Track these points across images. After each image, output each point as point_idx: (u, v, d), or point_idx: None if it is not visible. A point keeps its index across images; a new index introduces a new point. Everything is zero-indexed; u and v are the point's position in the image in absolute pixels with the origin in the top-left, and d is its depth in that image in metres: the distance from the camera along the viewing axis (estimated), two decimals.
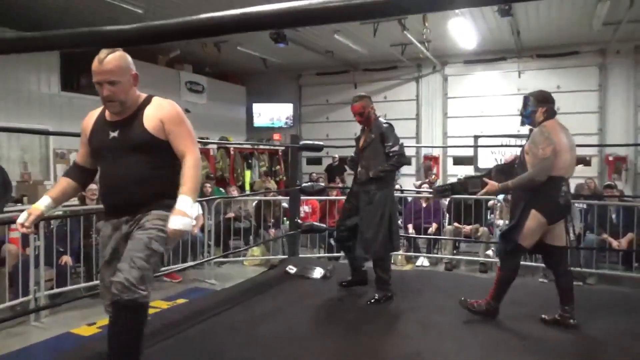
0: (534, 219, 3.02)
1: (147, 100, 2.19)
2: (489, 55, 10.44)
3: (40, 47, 1.13)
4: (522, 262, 5.90)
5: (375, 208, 3.60)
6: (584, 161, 10.08)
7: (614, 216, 5.63)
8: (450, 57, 10.82)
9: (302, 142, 4.75)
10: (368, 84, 11.86)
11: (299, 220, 4.88)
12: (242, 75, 12.75)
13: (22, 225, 2.13)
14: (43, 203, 2.21)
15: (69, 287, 4.71)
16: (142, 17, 7.88)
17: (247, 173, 11.36)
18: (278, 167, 11.97)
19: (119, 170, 2.13)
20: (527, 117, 3.18)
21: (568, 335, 3.08)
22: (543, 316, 3.23)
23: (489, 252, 6.17)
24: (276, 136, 12.68)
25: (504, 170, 3.40)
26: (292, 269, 4.39)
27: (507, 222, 6.10)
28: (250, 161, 11.43)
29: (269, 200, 6.88)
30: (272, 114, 12.96)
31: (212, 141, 9.91)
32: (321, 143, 4.71)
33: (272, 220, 6.60)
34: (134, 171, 2.12)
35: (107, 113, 2.20)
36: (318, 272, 4.33)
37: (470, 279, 5.42)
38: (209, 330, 3.14)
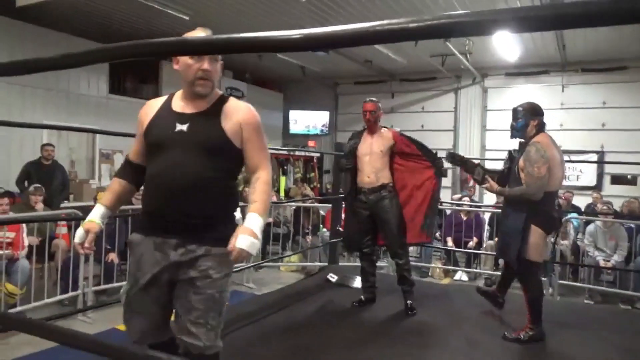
0: (536, 233, 3.05)
1: (225, 98, 1.92)
2: (532, 68, 10.25)
3: (207, 51, 1.19)
4: (566, 282, 5.81)
5: (399, 210, 3.68)
6: (627, 180, 9.76)
7: None
8: (490, 69, 10.67)
9: None
10: (405, 94, 11.84)
11: (340, 229, 4.88)
12: (280, 82, 12.91)
13: (82, 246, 1.87)
14: (98, 215, 1.90)
15: (114, 284, 4.85)
16: (187, 24, 8.10)
17: (282, 179, 11.46)
18: (312, 174, 12.03)
19: (179, 170, 1.77)
20: (518, 130, 3.18)
21: (616, 357, 3.00)
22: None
23: None
24: (311, 143, 12.77)
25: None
26: (333, 277, 4.40)
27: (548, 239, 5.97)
28: (285, 167, 11.53)
29: (307, 206, 6.92)
30: (308, 121, 13.05)
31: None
32: None
33: (310, 227, 6.63)
34: (197, 174, 1.77)
35: (174, 103, 1.89)
36: (359, 282, 4.31)
37: (511, 296, 5.31)
38: (254, 334, 3.18)
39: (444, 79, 11.11)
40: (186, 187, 1.76)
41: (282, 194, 11.02)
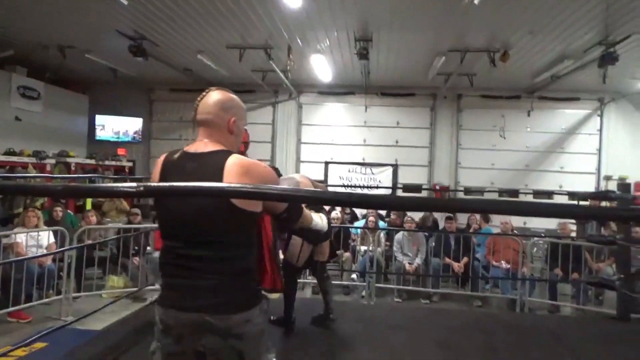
0: (294, 241, 3.82)
1: None
2: (341, 89, 11.33)
3: None
4: (380, 285, 6.58)
5: None
6: (418, 189, 11.54)
7: (452, 242, 6.61)
8: (306, 86, 11.43)
9: None
10: None
11: None
12: (85, 83, 11.61)
13: None
14: None
15: None
16: None
17: None
18: None
19: None
20: None
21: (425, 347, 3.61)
22: (313, 316, 4.09)
23: (354, 276, 6.70)
24: (121, 151, 11.84)
25: None
26: None
27: (365, 247, 6.73)
28: (93, 180, 10.43)
29: (132, 225, 6.41)
30: (117, 127, 12.07)
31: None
32: None
33: (136, 248, 6.18)
34: None
35: None
36: None
37: (339, 304, 5.83)
38: None
39: (262, 92, 11.47)
40: None
41: (88, 207, 9.95)
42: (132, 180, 11.58)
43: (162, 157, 1.80)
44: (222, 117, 1.79)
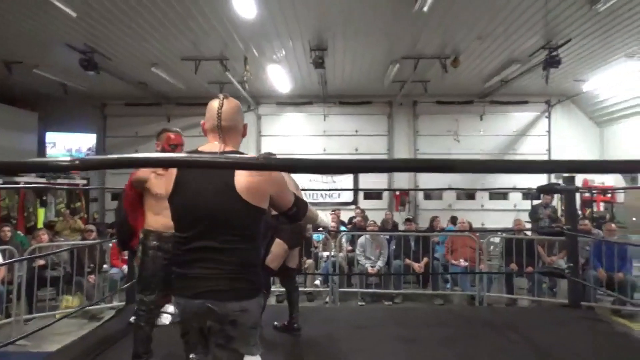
0: (278, 245, 3.66)
1: None
2: (299, 99, 11.39)
3: None
4: (343, 289, 6.62)
5: None
6: (375, 195, 11.71)
7: (412, 244, 6.73)
8: (264, 97, 11.45)
9: None
10: (182, 118, 11.63)
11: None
12: (34, 100, 11.22)
13: None
14: None
15: None
16: None
17: (41, 211, 9.96)
18: (79, 203, 10.79)
19: None
20: None
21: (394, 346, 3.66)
22: (275, 323, 4.02)
23: (317, 282, 6.70)
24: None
25: None
26: None
27: (328, 253, 6.75)
28: (44, 198, 10.05)
29: (85, 243, 6.20)
30: (70, 144, 11.69)
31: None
32: None
33: (92, 265, 5.98)
34: None
35: None
36: (166, 318, 4.14)
37: (303, 309, 5.81)
38: None
39: None
40: None
41: (39, 225, 9.56)
42: (90, 200, 11.15)
43: None
44: (240, 122, 2.04)
